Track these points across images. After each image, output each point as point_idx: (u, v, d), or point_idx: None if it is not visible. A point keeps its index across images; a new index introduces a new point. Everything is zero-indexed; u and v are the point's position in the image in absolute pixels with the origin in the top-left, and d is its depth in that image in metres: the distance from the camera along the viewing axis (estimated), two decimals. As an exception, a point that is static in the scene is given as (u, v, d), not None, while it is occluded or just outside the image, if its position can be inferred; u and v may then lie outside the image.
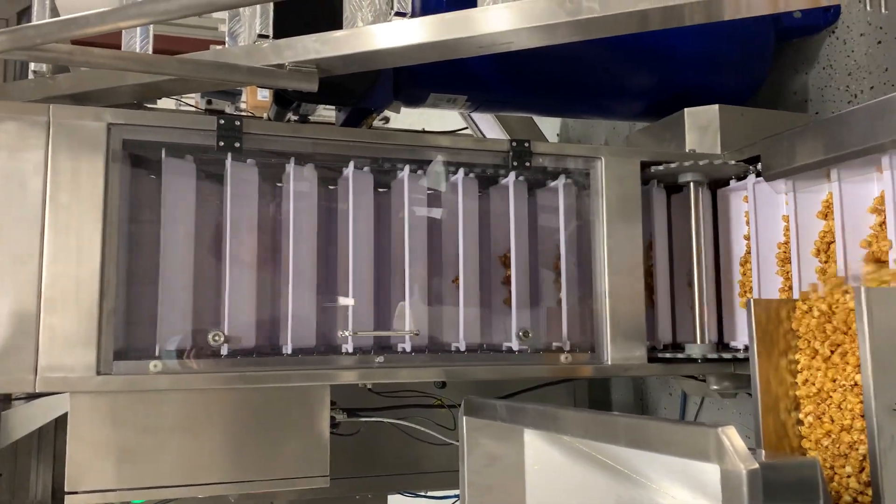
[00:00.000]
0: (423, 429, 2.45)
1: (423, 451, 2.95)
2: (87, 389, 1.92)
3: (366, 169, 2.29)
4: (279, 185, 2.30)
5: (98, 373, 1.92)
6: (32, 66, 2.45)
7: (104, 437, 1.96)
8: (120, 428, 1.97)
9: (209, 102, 3.56)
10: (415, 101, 2.78)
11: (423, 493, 4.04)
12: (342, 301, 2.20)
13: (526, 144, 2.34)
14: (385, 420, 2.43)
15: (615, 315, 2.36)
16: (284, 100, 2.59)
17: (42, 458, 3.54)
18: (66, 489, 1.91)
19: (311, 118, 2.83)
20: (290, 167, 2.18)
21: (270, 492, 2.33)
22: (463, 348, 2.27)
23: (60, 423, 3.22)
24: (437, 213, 2.34)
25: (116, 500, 1.97)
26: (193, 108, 3.71)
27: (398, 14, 1.93)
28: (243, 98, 3.81)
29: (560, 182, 2.45)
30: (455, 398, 2.76)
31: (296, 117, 2.76)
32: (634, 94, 2.94)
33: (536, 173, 2.42)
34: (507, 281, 2.43)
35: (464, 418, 2.11)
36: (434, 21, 1.88)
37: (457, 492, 4.30)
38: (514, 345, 2.31)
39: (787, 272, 2.28)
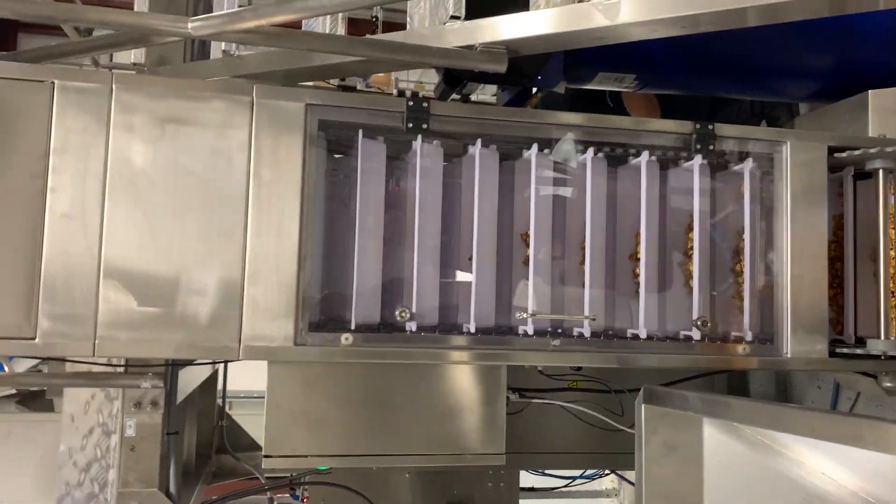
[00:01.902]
0: (594, 413, 2.44)
1: (557, 432, 2.96)
2: (287, 359, 2.01)
3: (546, 151, 2.27)
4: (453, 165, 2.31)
5: (296, 343, 2.00)
6: (223, 46, 2.55)
7: (299, 406, 2.05)
8: (313, 397, 2.06)
9: (342, 79, 3.62)
10: (581, 80, 2.74)
11: (548, 473, 4.06)
12: (522, 286, 2.21)
13: (710, 127, 2.27)
14: (556, 403, 2.44)
15: (797, 306, 2.27)
16: (453, 79, 2.60)
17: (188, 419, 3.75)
18: (263, 452, 2.01)
19: (471, 98, 2.84)
20: (476, 148, 2.19)
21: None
22: (644, 335, 2.23)
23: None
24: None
25: (307, 465, 2.06)
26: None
27: (599, -6, 1.89)
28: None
29: (746, 166, 2.35)
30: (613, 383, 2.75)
31: (458, 96, 2.77)
32: (811, 74, 2.80)
33: (715, 157, 2.34)
34: (684, 269, 2.38)
35: (643, 406, 2.10)
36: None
37: (578, 472, 4.30)
38: (695, 334, 2.25)
39: None
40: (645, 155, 2.27)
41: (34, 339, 1.89)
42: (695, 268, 2.27)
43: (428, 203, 2.15)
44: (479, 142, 2.18)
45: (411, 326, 2.09)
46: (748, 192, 2.31)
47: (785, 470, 2.00)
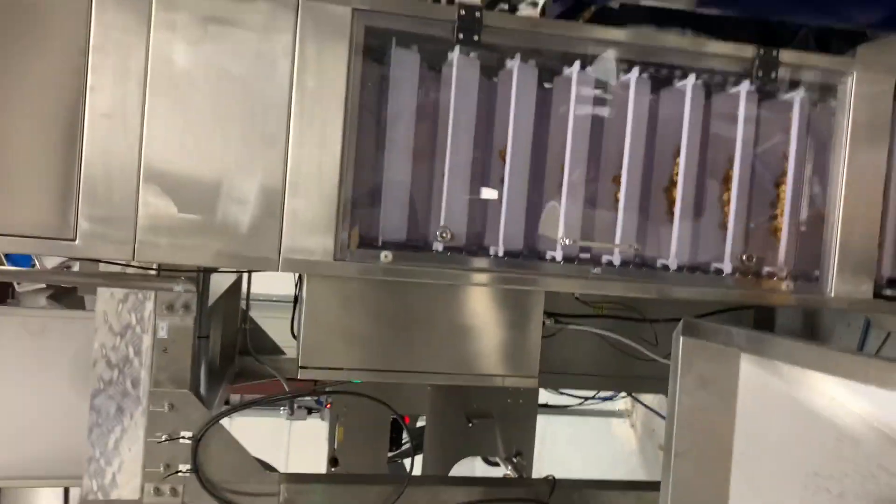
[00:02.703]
0: (631, 343, 2.44)
1: (581, 355, 2.97)
2: (326, 273, 1.99)
3: (588, 69, 2.17)
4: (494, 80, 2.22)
5: (335, 258, 1.97)
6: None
7: (335, 320, 2.04)
8: (349, 312, 2.05)
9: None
10: (636, -8, 2.59)
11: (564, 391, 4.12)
12: (551, 209, 2.15)
13: (774, 53, 2.16)
14: (593, 330, 2.43)
15: (846, 246, 2.22)
16: (503, -12, 2.47)
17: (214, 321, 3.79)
18: (299, 363, 2.03)
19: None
20: (515, 63, 2.09)
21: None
22: (674, 266, 2.20)
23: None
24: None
25: (341, 377, 2.07)
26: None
27: None
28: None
29: (797, 95, 2.25)
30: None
31: (505, 7, 2.65)
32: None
33: (773, 84, 2.23)
34: (721, 199, 2.31)
35: (681, 338, 2.08)
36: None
37: (591, 393, 4.36)
38: (728, 267, 2.21)
39: None
40: (691, 78, 2.16)
41: (74, 240, 1.88)
42: (733, 201, 2.20)
43: (462, 118, 2.07)
44: (517, 57, 2.09)
45: (445, 246, 2.05)
46: (796, 124, 2.21)
47: (820, 409, 1.99)
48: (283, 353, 3.78)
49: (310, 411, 4.65)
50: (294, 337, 3.16)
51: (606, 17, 2.65)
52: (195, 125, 1.89)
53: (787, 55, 2.18)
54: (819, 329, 3.81)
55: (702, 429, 2.08)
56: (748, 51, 2.18)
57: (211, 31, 1.89)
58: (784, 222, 2.26)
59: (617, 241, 2.13)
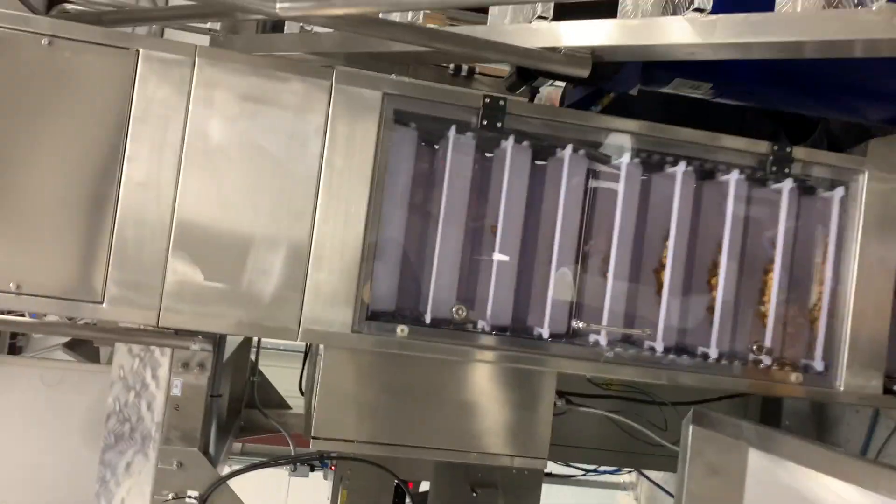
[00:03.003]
0: (640, 427, 2.45)
1: (590, 431, 2.97)
2: (343, 345, 2.03)
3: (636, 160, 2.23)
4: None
5: (353, 331, 2.02)
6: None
7: (349, 391, 2.07)
8: (365, 384, 2.08)
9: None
10: (656, 82, 2.68)
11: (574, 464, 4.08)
12: (562, 273, 2.19)
13: (788, 150, 2.22)
14: (603, 413, 2.44)
15: (856, 339, 2.24)
16: (527, 73, 2.57)
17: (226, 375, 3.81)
18: (311, 433, 2.05)
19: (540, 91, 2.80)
20: (566, 153, 2.16)
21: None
22: (715, 355, 2.20)
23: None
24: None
25: (352, 450, 2.09)
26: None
27: (696, 10, 1.84)
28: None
29: (836, 194, 2.30)
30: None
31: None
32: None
33: (795, 181, 2.29)
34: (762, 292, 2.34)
35: (691, 427, 2.09)
36: (735, 19, 1.79)
37: (603, 468, 4.32)
38: (737, 356, 2.23)
39: None
40: (734, 174, 2.22)
41: (101, 303, 1.93)
42: (773, 293, 2.22)
43: (513, 202, 2.14)
44: (568, 148, 2.17)
45: (470, 325, 2.09)
46: (835, 218, 2.26)
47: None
48: (289, 407, 3.78)
49: (312, 468, 4.63)
50: (302, 393, 3.17)
51: (622, 104, 2.74)
52: (226, 197, 1.96)
53: (800, 152, 2.24)
54: (827, 415, 3.79)
55: (709, 518, 2.08)
56: (762, 146, 2.24)
57: (247, 109, 1.97)
58: (800, 316, 2.29)
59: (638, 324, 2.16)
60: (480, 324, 2.10)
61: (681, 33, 1.84)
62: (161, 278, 1.94)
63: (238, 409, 3.88)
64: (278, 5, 1.88)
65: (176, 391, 2.77)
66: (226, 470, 3.29)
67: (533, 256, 2.18)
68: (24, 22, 1.90)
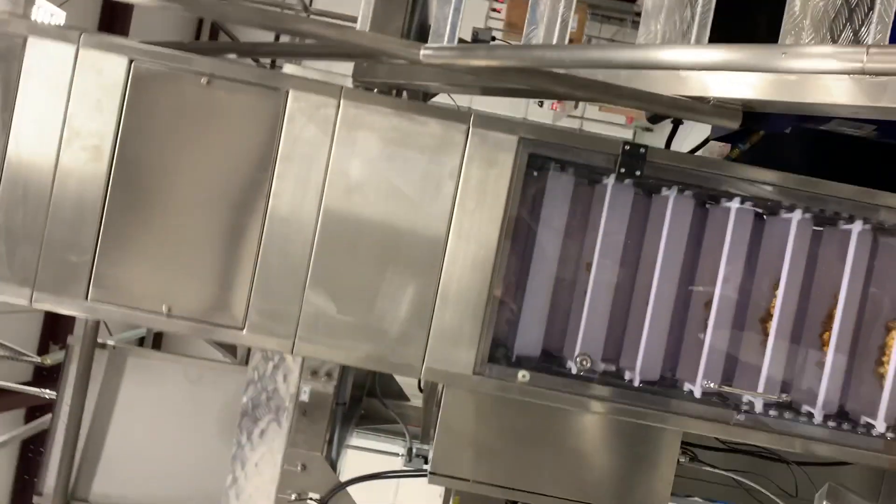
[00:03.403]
0: (766, 492, 2.33)
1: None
2: (464, 386, 2.06)
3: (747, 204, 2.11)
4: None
5: (474, 372, 2.04)
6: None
7: (468, 430, 2.10)
8: (484, 425, 2.10)
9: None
10: (813, 121, 2.52)
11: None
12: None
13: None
14: (730, 475, 2.35)
15: None
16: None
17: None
18: (430, 469, 2.10)
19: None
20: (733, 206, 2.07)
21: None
22: (819, 419, 2.07)
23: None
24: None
25: (466, 488, 2.12)
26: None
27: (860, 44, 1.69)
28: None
29: None
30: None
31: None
32: None
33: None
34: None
35: (824, 502, 1.98)
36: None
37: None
38: (881, 426, 2.07)
39: None
40: (857, 225, 2.05)
41: (242, 329, 2.05)
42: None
43: (610, 246, 2.08)
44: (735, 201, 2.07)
45: (589, 373, 2.06)
46: None
47: None
48: (407, 399, 3.88)
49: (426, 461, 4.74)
50: (420, 390, 3.23)
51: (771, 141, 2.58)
52: (362, 235, 2.03)
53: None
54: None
55: None
56: (927, 206, 2.05)
57: (386, 151, 2.02)
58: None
59: (761, 387, 2.05)
60: (628, 375, 2.07)
61: (845, 95, 1.71)
62: (298, 310, 2.04)
63: (360, 397, 4.03)
64: (422, 52, 1.90)
65: (304, 397, 2.91)
66: (346, 455, 3.43)
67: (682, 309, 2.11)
68: (187, 62, 2.02)
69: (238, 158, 2.05)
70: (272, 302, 2.04)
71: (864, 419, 2.05)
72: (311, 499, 2.79)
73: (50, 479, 3.00)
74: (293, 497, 2.80)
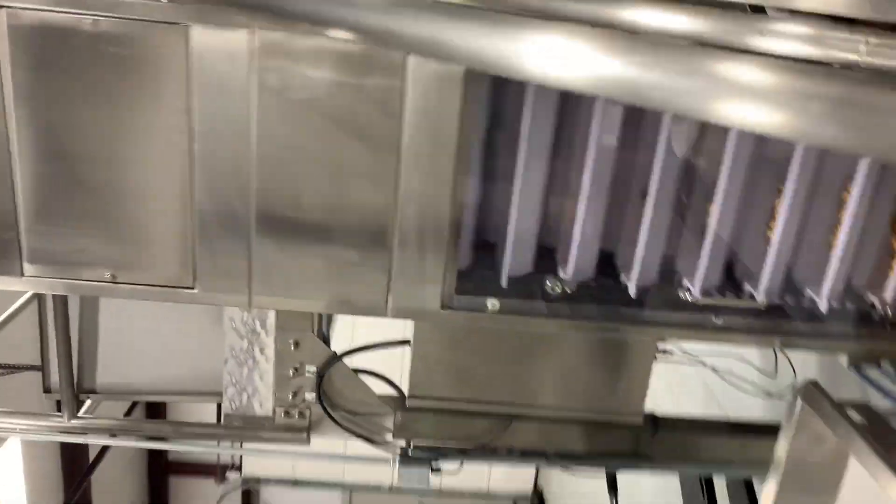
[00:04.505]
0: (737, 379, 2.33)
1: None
2: (433, 321, 1.99)
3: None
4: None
5: (442, 307, 1.96)
6: None
7: (443, 358, 2.08)
8: (456, 352, 2.07)
9: None
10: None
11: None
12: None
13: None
14: (701, 360, 2.33)
15: None
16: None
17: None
18: (408, 394, 2.11)
19: None
20: None
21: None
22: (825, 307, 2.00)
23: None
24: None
25: (448, 406, 2.15)
26: None
27: None
28: None
29: None
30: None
31: None
32: None
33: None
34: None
35: (799, 401, 1.97)
36: None
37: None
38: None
39: None
40: None
41: (193, 288, 1.95)
42: None
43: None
44: None
45: (558, 294, 1.97)
46: None
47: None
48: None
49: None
50: None
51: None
52: (305, 175, 1.84)
53: None
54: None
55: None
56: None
57: (318, 77, 1.75)
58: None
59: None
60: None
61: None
62: (247, 262, 1.91)
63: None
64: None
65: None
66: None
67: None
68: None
69: (152, 106, 1.79)
70: (219, 257, 1.91)
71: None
72: (308, 372, 2.86)
73: (53, 375, 3.09)
74: (291, 372, 2.88)
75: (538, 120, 1.84)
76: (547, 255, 2.02)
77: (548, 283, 1.97)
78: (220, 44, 1.73)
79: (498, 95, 1.93)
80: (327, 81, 1.75)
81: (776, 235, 1.94)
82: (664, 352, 2.14)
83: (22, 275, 1.90)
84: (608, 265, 2.07)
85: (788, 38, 1.08)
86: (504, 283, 1.98)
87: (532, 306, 1.98)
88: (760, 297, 1.96)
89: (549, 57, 1.14)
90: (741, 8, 1.13)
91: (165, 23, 1.71)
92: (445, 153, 1.82)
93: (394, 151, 1.82)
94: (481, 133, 1.91)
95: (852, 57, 1.03)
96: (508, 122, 1.91)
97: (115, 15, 1.70)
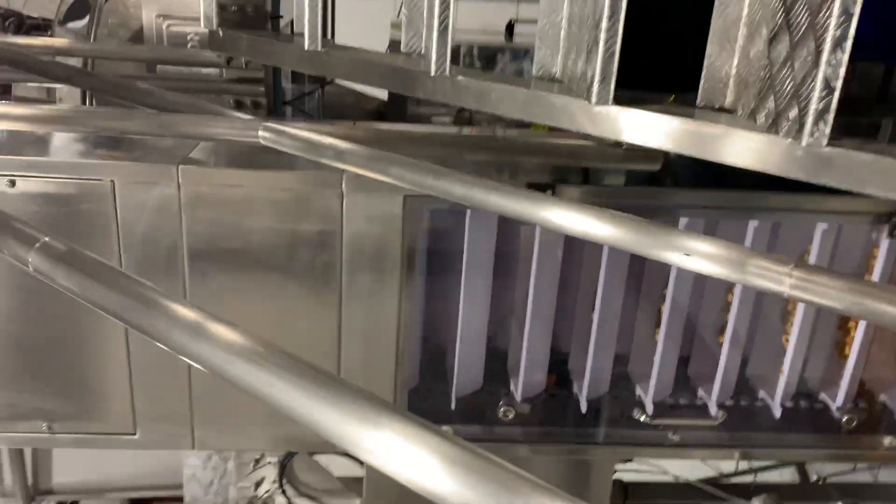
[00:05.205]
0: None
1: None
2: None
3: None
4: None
5: (393, 437, 1.90)
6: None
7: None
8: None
9: None
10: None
11: None
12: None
13: (906, 214, 1.76)
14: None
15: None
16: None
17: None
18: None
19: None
20: None
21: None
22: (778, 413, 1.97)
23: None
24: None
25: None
26: None
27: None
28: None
29: None
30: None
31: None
32: None
33: None
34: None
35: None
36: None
37: None
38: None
39: None
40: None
41: (134, 434, 1.89)
42: None
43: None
44: None
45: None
46: None
47: None
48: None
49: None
50: None
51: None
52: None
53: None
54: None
55: None
56: (887, 205, 1.78)
57: (249, 222, 1.70)
58: None
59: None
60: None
61: (778, 165, 1.36)
62: (188, 405, 1.85)
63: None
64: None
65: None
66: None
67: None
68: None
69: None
70: (159, 402, 1.85)
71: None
72: (269, 462, 2.81)
73: (6, 477, 3.00)
74: (252, 464, 2.82)
75: (479, 241, 1.80)
76: (497, 363, 1.98)
77: (501, 408, 1.92)
78: (146, 198, 1.67)
79: (437, 217, 1.89)
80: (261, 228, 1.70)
81: (726, 344, 1.92)
82: (626, 460, 2.11)
83: (-46, 429, 1.83)
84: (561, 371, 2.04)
85: (713, 260, 1.04)
86: (453, 405, 1.94)
87: (484, 431, 1.94)
88: (713, 407, 1.93)
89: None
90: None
91: (91, 179, 1.65)
92: (388, 281, 1.77)
93: (335, 292, 1.77)
94: (423, 256, 1.86)
95: (776, 287, 1.00)
96: (449, 241, 1.87)
97: (39, 174, 1.64)
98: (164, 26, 3.04)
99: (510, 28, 3.45)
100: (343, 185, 1.68)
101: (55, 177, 1.64)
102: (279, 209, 1.70)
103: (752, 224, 1.77)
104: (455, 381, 1.92)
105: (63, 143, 1.74)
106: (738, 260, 1.02)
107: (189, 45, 2.97)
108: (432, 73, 1.46)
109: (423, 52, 1.63)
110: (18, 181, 1.64)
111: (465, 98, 1.48)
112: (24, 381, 1.82)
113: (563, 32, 1.52)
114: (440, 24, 1.43)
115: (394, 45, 3.40)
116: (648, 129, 1.23)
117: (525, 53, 3.49)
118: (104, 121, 1.52)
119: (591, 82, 1.29)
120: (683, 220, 1.73)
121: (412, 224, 1.74)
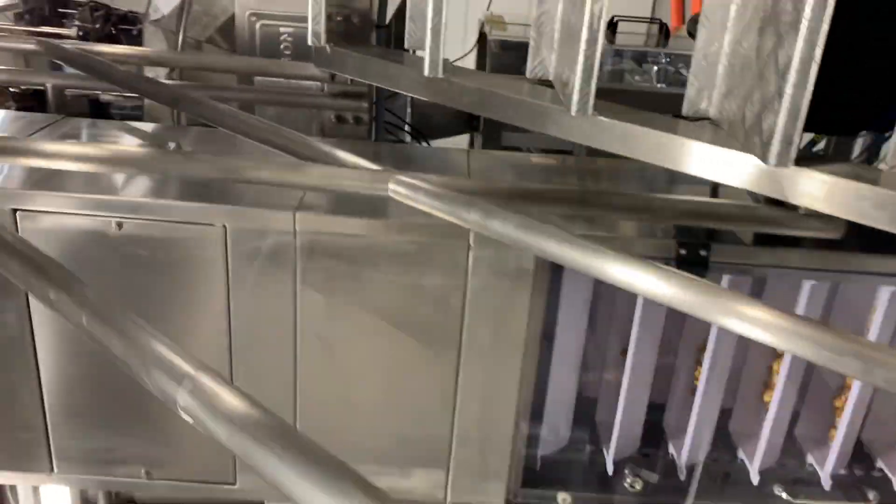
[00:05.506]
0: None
1: None
2: (495, 520, 1.81)
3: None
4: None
5: (507, 502, 1.78)
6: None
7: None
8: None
9: None
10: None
11: None
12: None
13: None
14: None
15: None
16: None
17: None
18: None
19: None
20: None
21: None
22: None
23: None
24: None
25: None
26: None
27: None
28: None
29: None
30: None
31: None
32: None
33: None
34: None
35: None
36: None
37: None
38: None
39: None
40: None
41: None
42: None
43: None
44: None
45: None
46: None
47: None
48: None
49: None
50: None
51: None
52: (351, 384, 1.65)
53: None
54: None
55: None
56: None
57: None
58: None
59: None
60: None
61: None
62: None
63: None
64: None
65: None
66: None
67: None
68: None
69: (187, 306, 1.62)
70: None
71: None
72: None
73: None
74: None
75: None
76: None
77: (628, 479, 1.76)
78: (259, 245, 1.54)
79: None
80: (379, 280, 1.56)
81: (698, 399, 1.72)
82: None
83: (52, 471, 1.76)
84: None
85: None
86: (576, 474, 1.79)
87: (607, 500, 1.79)
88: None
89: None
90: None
91: (200, 224, 1.53)
92: (511, 347, 1.62)
93: (454, 347, 1.63)
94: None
95: None
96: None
97: (147, 217, 1.52)
98: (256, 25, 2.91)
99: (613, 27, 3.19)
100: (471, 238, 1.52)
101: (164, 220, 1.53)
102: (401, 260, 1.55)
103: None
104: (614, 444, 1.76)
105: (171, 180, 1.62)
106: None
107: (282, 46, 2.84)
108: (573, 112, 1.28)
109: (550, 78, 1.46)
110: (126, 223, 1.53)
111: (607, 141, 1.31)
112: (124, 425, 1.73)
113: (721, 69, 1.33)
114: (585, 60, 1.25)
115: (482, 40, 3.21)
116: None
117: (626, 53, 3.25)
118: (211, 170, 1.38)
119: (770, 141, 1.10)
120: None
121: (542, 281, 1.58)
